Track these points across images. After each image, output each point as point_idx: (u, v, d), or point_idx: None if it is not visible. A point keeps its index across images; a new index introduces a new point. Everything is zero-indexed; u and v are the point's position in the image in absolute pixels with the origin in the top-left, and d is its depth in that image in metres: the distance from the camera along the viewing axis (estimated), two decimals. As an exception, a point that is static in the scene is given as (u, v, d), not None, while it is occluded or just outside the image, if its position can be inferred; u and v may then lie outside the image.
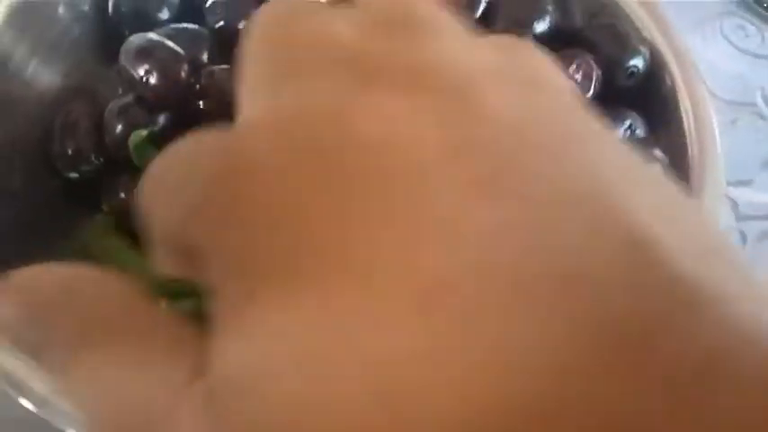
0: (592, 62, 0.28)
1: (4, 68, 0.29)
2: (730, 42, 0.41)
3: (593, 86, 0.27)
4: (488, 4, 0.30)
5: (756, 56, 0.40)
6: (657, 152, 0.26)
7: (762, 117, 0.37)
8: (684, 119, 0.28)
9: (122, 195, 0.28)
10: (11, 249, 0.26)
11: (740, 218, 0.35)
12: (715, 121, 0.27)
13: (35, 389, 0.22)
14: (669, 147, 0.27)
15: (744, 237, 0.34)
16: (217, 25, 0.32)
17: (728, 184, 0.36)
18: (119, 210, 0.28)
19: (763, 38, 0.41)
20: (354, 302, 0.08)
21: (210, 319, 0.09)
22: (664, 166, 0.26)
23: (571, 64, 0.27)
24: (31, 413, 0.22)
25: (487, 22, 0.30)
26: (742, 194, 0.35)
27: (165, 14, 0.32)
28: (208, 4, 0.32)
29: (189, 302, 0.25)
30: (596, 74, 0.27)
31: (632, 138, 0.27)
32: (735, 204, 0.35)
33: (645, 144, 0.27)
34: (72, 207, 0.29)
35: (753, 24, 0.42)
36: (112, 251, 0.28)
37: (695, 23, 0.42)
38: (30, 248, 0.26)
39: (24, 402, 0.22)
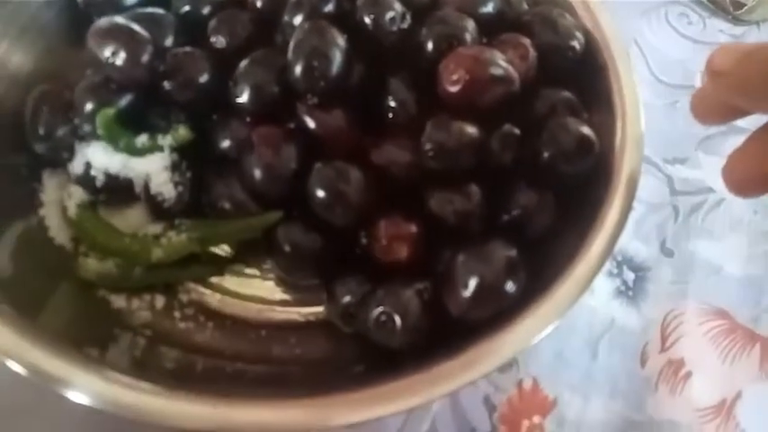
0: (529, 46, 0.29)
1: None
2: (674, 29, 0.43)
3: (529, 68, 0.29)
4: (437, -12, 0.32)
5: (697, 41, 0.43)
6: (587, 129, 0.28)
7: (700, 99, 0.39)
8: (615, 100, 0.30)
9: (91, 172, 0.30)
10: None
11: (674, 193, 0.37)
12: (641, 103, 0.29)
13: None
14: (600, 125, 0.29)
15: (676, 210, 0.36)
16: (182, 10, 0.33)
17: (665, 161, 0.38)
18: (86, 182, 0.30)
19: (704, 25, 0.43)
20: None
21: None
22: (594, 143, 0.28)
23: (509, 47, 0.29)
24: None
25: (436, 6, 0.31)
26: (677, 171, 0.37)
27: (131, -1, 0.33)
28: (174, -10, 0.34)
29: (111, 264, 0.29)
30: (532, 56, 0.29)
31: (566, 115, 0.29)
32: (670, 180, 0.37)
33: (578, 122, 0.29)
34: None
35: (695, 12, 0.44)
36: (92, 224, 0.30)
37: (643, 11, 0.44)
38: None
39: (15, 366, 0.22)
